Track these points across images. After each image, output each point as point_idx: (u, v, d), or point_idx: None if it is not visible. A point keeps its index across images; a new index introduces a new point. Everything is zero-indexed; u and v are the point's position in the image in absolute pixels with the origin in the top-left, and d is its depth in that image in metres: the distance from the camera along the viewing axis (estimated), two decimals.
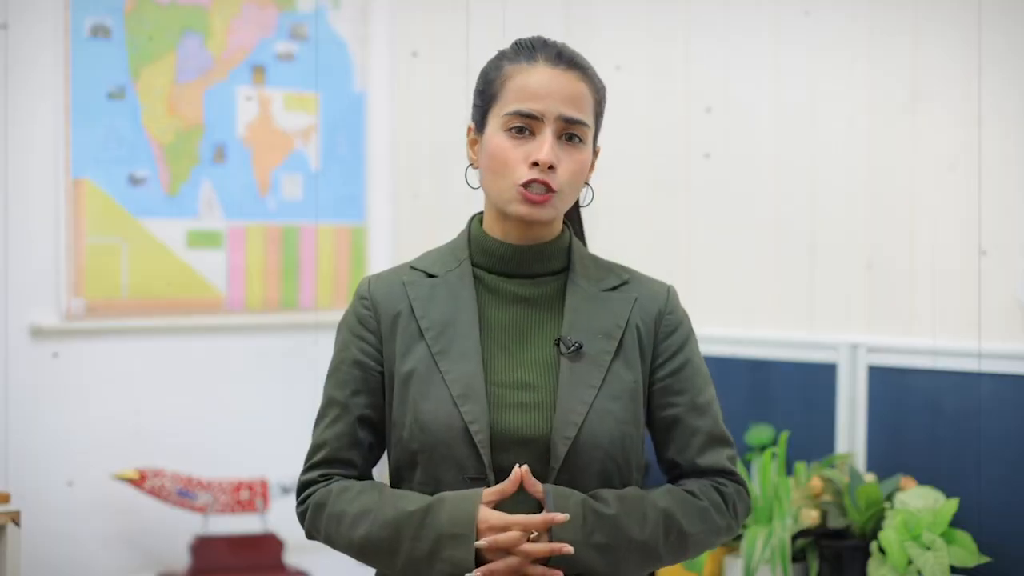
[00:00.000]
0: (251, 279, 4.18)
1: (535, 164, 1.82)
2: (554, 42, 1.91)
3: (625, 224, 3.75)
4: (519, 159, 1.83)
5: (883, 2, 3.33)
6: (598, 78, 1.92)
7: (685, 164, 3.71)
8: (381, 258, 4.32)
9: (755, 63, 3.56)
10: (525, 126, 1.85)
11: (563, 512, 1.75)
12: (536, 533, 1.75)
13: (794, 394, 3.42)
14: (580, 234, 2.02)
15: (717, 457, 1.90)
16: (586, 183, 1.94)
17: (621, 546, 1.78)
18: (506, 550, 1.74)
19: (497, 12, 3.69)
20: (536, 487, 1.77)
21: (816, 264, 3.46)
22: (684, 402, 1.90)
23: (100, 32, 3.93)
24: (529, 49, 1.89)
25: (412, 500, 1.80)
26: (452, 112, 3.65)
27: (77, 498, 3.87)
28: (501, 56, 1.92)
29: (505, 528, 1.74)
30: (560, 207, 1.87)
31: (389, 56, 4.38)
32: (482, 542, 1.74)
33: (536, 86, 1.85)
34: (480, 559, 1.75)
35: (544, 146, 1.83)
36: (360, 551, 1.84)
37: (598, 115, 1.92)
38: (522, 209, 1.84)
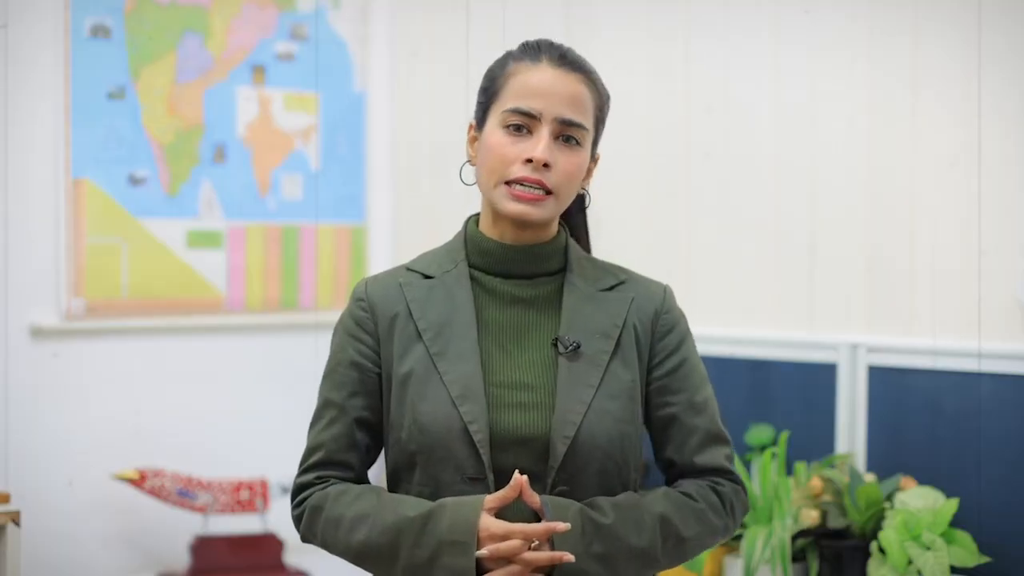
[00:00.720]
0: (251, 279, 4.18)
1: (529, 161, 1.82)
2: (561, 45, 1.90)
3: (625, 224, 3.75)
4: (514, 156, 1.83)
5: (883, 2, 3.33)
6: (602, 85, 1.91)
7: (685, 164, 3.71)
8: (381, 258, 4.32)
9: (755, 63, 3.56)
10: (523, 124, 1.84)
11: (563, 522, 1.75)
12: (537, 542, 1.74)
13: (794, 394, 3.42)
14: (585, 239, 2.01)
15: (714, 456, 1.89)
16: (584, 189, 1.93)
17: (620, 555, 1.78)
18: (507, 559, 1.74)
19: (497, 12, 3.69)
20: (534, 499, 1.77)
21: (816, 264, 3.46)
22: (681, 401, 1.89)
23: (100, 32, 3.93)
24: (535, 49, 1.89)
25: (412, 505, 1.79)
26: (452, 112, 3.65)
27: (77, 498, 3.87)
28: (507, 55, 1.92)
29: (506, 536, 1.73)
30: (555, 210, 1.86)
31: (389, 56, 4.38)
32: (483, 551, 1.73)
33: (537, 85, 1.85)
34: (481, 567, 1.74)
35: (540, 144, 1.82)
36: (358, 556, 1.82)
37: (599, 121, 1.91)
38: (510, 206, 1.83)
